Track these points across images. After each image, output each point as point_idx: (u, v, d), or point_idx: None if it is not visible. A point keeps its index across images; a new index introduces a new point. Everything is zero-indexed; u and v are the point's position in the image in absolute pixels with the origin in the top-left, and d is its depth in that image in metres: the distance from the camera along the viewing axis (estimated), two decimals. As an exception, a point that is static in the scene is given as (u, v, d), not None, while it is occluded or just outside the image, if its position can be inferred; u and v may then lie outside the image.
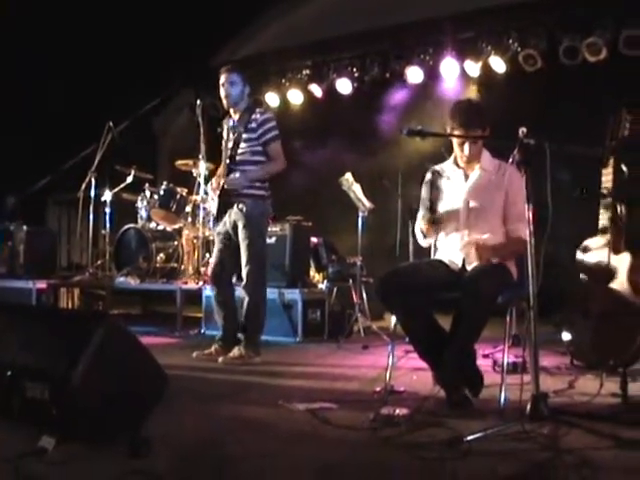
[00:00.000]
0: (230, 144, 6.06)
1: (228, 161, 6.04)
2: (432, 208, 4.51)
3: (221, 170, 6.18)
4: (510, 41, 9.27)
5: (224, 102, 6.10)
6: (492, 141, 4.67)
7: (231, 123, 6.16)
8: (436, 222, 4.54)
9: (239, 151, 6.02)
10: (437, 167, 4.77)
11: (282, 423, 3.90)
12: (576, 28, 8.82)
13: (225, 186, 5.96)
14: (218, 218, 6.13)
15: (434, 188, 4.55)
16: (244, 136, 5.98)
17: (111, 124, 8.95)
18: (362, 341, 7.12)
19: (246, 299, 6.06)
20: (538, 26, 9.16)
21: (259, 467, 3.11)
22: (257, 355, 6.01)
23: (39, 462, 3.11)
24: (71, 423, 3.40)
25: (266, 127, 5.99)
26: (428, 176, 4.65)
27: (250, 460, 3.20)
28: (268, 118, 6.04)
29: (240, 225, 5.98)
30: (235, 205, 5.99)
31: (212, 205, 6.22)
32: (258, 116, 6.02)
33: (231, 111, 6.15)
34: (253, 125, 5.99)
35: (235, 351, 5.97)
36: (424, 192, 4.63)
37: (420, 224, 4.68)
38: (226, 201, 6.02)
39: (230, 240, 6.11)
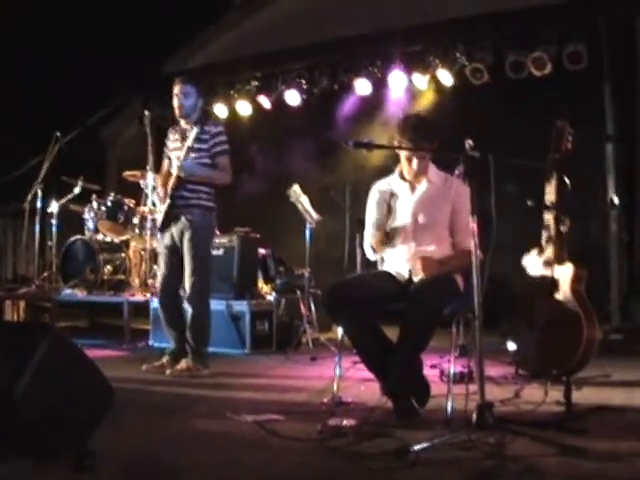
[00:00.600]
0: (177, 153, 5.99)
1: (176, 171, 5.98)
2: (381, 226, 4.54)
3: (167, 179, 6.08)
4: (457, 54, 9.37)
5: (176, 112, 6.07)
6: (438, 154, 4.72)
7: (176, 135, 6.13)
8: (387, 241, 4.58)
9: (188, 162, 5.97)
10: (382, 182, 4.80)
11: (230, 435, 3.90)
12: (522, 43, 8.95)
13: (180, 174, 5.88)
14: (163, 228, 6.09)
15: (382, 206, 4.58)
16: (195, 146, 5.93)
17: (58, 134, 8.87)
18: (310, 352, 7.11)
19: (190, 311, 6.03)
20: (485, 40, 9.27)
21: (208, 479, 3.09)
22: (205, 367, 5.98)
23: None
24: (14, 437, 3.36)
25: (217, 140, 5.99)
26: (375, 195, 4.69)
27: (199, 472, 3.19)
28: (220, 131, 6.03)
29: (187, 236, 5.95)
30: (183, 216, 5.96)
31: (158, 215, 6.15)
32: (212, 128, 6.01)
33: (181, 122, 6.12)
34: (205, 137, 5.96)
35: (182, 364, 5.94)
36: (372, 211, 4.68)
37: (370, 242, 4.71)
38: (174, 211, 5.98)
39: (176, 252, 6.06)
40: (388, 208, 4.60)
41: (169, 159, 6.18)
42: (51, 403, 3.34)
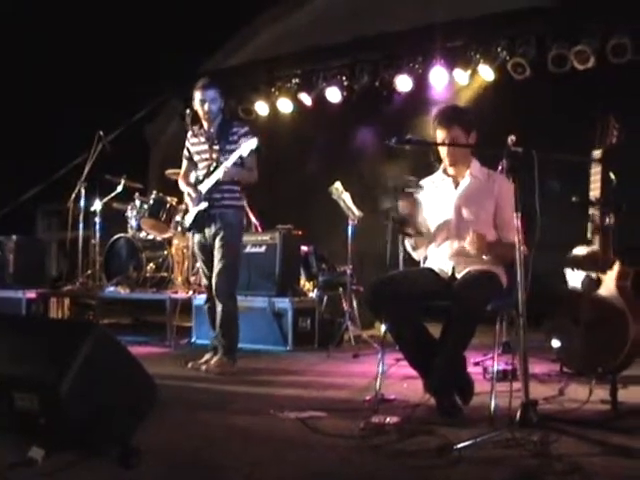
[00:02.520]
0: (208, 155, 6.05)
1: (205, 171, 6.04)
2: (410, 223, 4.53)
3: (200, 180, 6.11)
4: (499, 49, 9.30)
5: (203, 119, 6.09)
6: (481, 150, 4.69)
7: (201, 138, 6.15)
8: (413, 236, 4.58)
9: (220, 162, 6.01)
10: (426, 180, 4.79)
11: (272, 432, 3.90)
12: (564, 36, 8.86)
13: (224, 178, 5.91)
14: (197, 229, 6.13)
15: (419, 203, 4.56)
16: (227, 148, 5.97)
17: (101, 133, 8.94)
18: (352, 350, 7.11)
19: (219, 308, 6.04)
20: (527, 34, 9.19)
21: (249, 476, 3.10)
22: (235, 363, 6.02)
23: (28, 473, 3.10)
24: (60, 433, 3.40)
25: (245, 140, 5.99)
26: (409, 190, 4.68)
27: (240, 469, 3.19)
28: (247, 132, 6.04)
29: (220, 235, 5.99)
30: (217, 216, 6.01)
31: (188, 216, 6.17)
32: (239, 129, 6.05)
33: (205, 124, 6.13)
34: (234, 137, 6.00)
35: (215, 360, 5.98)
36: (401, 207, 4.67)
37: (410, 242, 4.72)
38: (209, 212, 6.01)
39: (211, 252, 6.09)
40: (427, 201, 4.60)
41: (189, 160, 6.23)
42: (96, 400, 3.38)
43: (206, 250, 6.14)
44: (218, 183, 5.97)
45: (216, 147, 6.01)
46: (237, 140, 5.98)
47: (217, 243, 6.01)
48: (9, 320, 4.73)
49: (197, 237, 6.19)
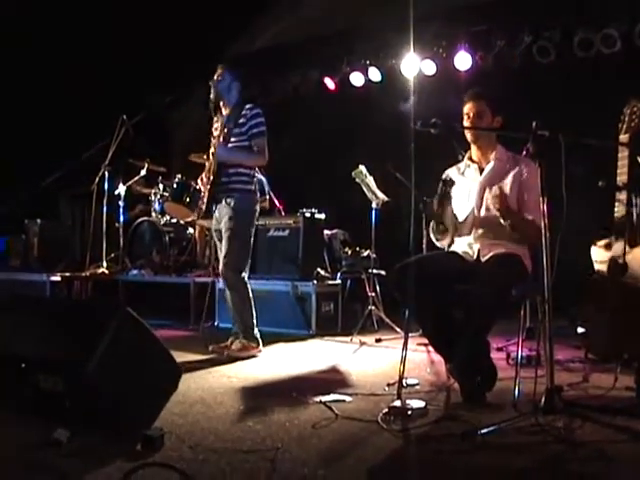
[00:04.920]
0: (220, 140, 6.06)
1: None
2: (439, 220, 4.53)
3: (209, 165, 6.16)
4: (524, 33, 9.22)
5: (212, 97, 6.13)
6: (507, 132, 4.67)
7: (219, 122, 6.18)
8: (439, 230, 4.58)
9: (229, 145, 6.01)
10: (452, 169, 4.79)
11: (296, 415, 3.90)
12: (591, 20, 8.77)
13: (217, 160, 5.96)
14: (207, 213, 6.13)
15: (446, 198, 4.56)
16: (234, 131, 5.99)
17: (125, 117, 8.96)
18: (375, 334, 7.12)
19: (228, 292, 6.08)
20: (552, 18, 9.11)
21: (273, 459, 3.10)
22: (258, 345, 6.03)
23: (54, 454, 3.12)
24: (85, 415, 3.42)
25: (254, 122, 5.99)
26: (440, 186, 4.66)
27: (263, 452, 3.20)
28: (257, 113, 6.02)
29: (226, 218, 5.99)
30: (223, 200, 6.02)
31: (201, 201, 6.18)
32: (248, 112, 6.02)
33: (223, 108, 6.16)
34: (243, 120, 6.00)
35: (237, 344, 5.99)
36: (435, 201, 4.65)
37: (433, 229, 4.72)
38: (216, 196, 6.03)
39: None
40: (452, 195, 4.61)
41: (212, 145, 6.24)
42: (121, 382, 3.40)
43: (218, 234, 6.18)
44: (223, 167, 5.98)
45: (225, 130, 6.02)
46: (245, 122, 5.99)
47: (224, 227, 6.02)
48: (34, 303, 4.76)
49: (213, 222, 6.22)
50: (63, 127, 10.90)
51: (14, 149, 10.69)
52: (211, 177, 6.02)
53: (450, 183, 4.57)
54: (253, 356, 5.92)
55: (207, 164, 6.24)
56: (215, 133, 6.19)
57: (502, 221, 4.39)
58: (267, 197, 8.61)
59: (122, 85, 10.68)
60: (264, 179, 8.46)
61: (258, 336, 6.06)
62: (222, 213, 6.05)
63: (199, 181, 6.35)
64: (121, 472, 2.86)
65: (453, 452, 3.24)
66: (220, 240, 6.15)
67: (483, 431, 3.40)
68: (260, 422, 3.76)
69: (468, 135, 4.69)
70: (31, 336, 3.79)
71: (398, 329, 6.97)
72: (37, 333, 3.79)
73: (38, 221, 10.45)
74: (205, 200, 6.09)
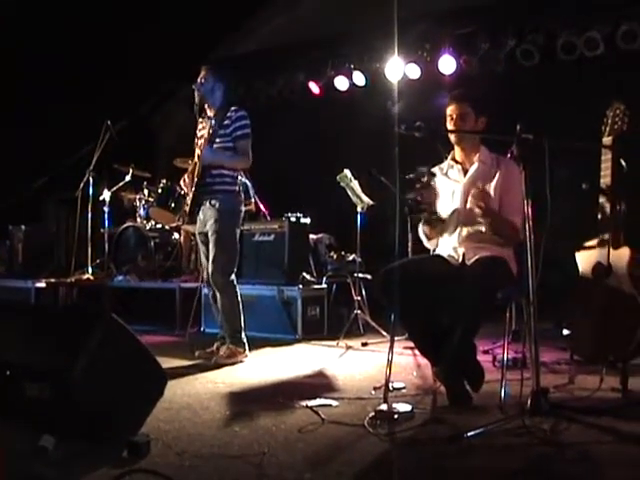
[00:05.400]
0: (202, 141, 6.05)
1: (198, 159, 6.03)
2: (431, 211, 4.52)
3: (194, 168, 6.12)
4: (507, 36, 9.25)
5: (196, 99, 6.12)
6: (490, 136, 4.68)
7: (203, 123, 6.17)
8: (433, 222, 4.55)
9: (214, 147, 5.98)
10: (435, 169, 4.79)
11: (282, 420, 3.90)
12: (574, 23, 8.80)
13: (202, 162, 5.94)
14: (191, 215, 6.09)
15: (431, 191, 4.54)
16: (219, 132, 5.97)
17: (109, 123, 8.94)
18: (361, 338, 7.11)
19: (218, 296, 6.05)
20: (535, 21, 9.14)
21: (259, 464, 3.10)
22: (244, 351, 6.02)
23: (39, 461, 3.11)
24: (71, 422, 3.40)
25: (238, 124, 5.99)
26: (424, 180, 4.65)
27: (249, 457, 3.19)
28: (242, 116, 6.03)
29: (211, 221, 5.97)
30: (207, 202, 6.00)
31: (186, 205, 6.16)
32: (232, 114, 6.02)
33: (207, 110, 6.15)
34: (227, 122, 5.99)
35: (224, 349, 5.97)
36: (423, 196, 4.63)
37: (423, 230, 4.71)
38: (199, 198, 6.01)
39: (208, 238, 6.09)
40: (437, 189, 4.59)
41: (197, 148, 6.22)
42: (106, 388, 3.39)
43: (202, 236, 6.16)
44: (206, 168, 5.96)
45: (210, 132, 5.99)
46: (230, 124, 5.99)
47: (210, 229, 5.99)
48: (19, 309, 4.74)
49: (197, 225, 6.18)
50: (47, 133, 10.88)
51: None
52: (195, 179, 6.00)
53: (432, 174, 4.56)
54: (240, 361, 5.91)
55: (190, 166, 6.22)
56: (200, 134, 6.18)
57: (481, 219, 4.39)
58: (252, 200, 8.59)
59: (106, 89, 10.65)
60: (249, 182, 8.45)
61: (245, 341, 6.04)
62: (207, 215, 6.03)
63: (181, 182, 6.31)
64: (108, 478, 2.85)
65: (440, 455, 3.25)
66: (204, 243, 6.14)
67: (470, 434, 3.41)
68: (246, 427, 3.76)
69: (452, 137, 4.70)
70: (16, 343, 3.78)
71: (384, 333, 6.97)
72: (22, 340, 3.78)
73: (22, 227, 10.43)
74: (189, 202, 6.06)
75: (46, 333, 3.72)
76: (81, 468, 3.06)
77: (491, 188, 4.52)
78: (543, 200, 3.87)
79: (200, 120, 6.23)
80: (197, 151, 6.10)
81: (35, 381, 3.44)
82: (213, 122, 6.00)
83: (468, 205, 4.52)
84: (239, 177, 6.25)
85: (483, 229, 4.45)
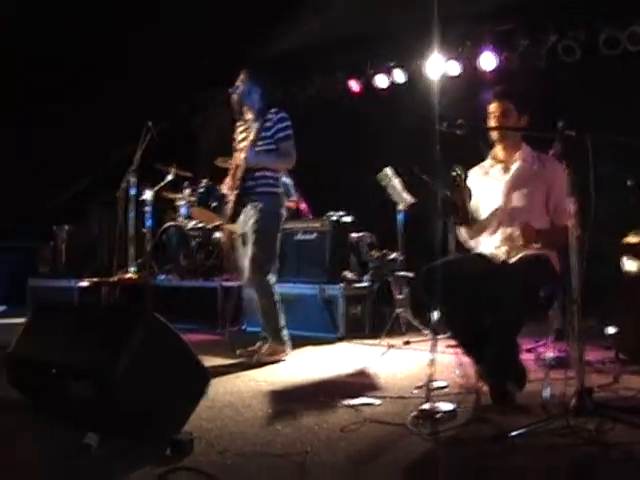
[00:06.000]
0: (244, 143, 6.06)
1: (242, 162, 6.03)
2: (461, 211, 4.49)
3: (235, 170, 6.14)
4: (549, 32, 9.16)
5: (233, 102, 6.16)
6: (533, 133, 4.63)
7: (244, 126, 6.19)
8: (465, 223, 4.54)
9: (256, 149, 5.99)
10: (476, 168, 4.76)
11: (324, 419, 3.90)
12: (617, 18, 8.69)
13: (246, 165, 5.94)
14: (234, 217, 6.09)
15: (464, 191, 4.51)
16: (261, 135, 5.98)
17: (150, 124, 8.99)
18: (403, 336, 7.08)
19: (255, 296, 6.06)
20: (577, 16, 9.04)
21: (301, 462, 3.10)
22: (285, 349, 6.02)
23: (84, 459, 3.14)
24: (113, 420, 3.43)
25: (280, 126, 5.99)
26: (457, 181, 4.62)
27: (292, 456, 3.20)
28: (282, 117, 6.03)
29: (252, 221, 5.98)
30: (250, 203, 6.02)
31: (228, 206, 6.16)
32: (274, 115, 6.02)
33: (247, 113, 6.16)
34: (268, 124, 6.00)
35: (265, 348, 5.97)
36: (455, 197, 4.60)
37: (461, 231, 4.69)
38: (242, 200, 6.02)
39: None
40: (477, 189, 4.57)
41: (238, 150, 6.22)
42: (149, 387, 3.41)
43: (244, 239, 6.15)
44: (249, 170, 5.98)
45: (251, 135, 6.01)
46: (272, 126, 5.99)
47: (250, 230, 6.00)
48: (63, 309, 4.79)
49: (239, 225, 6.18)
50: (90, 134, 10.99)
51: (42, 156, 10.78)
52: (237, 181, 6.02)
53: (466, 175, 4.53)
54: (282, 360, 5.92)
55: (232, 168, 6.24)
56: (239, 137, 6.20)
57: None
58: (294, 199, 8.59)
59: (148, 91, 10.73)
60: (290, 182, 8.46)
61: (286, 339, 6.05)
62: (248, 216, 6.04)
63: (223, 185, 6.34)
64: (151, 476, 2.88)
65: (483, 455, 3.23)
66: (245, 244, 6.13)
67: (513, 433, 3.38)
68: (289, 426, 3.76)
69: (493, 134, 4.66)
70: (61, 342, 3.82)
71: (425, 331, 6.95)
72: (66, 339, 3.82)
73: (66, 227, 10.53)
74: (232, 204, 6.07)
75: (89, 332, 3.76)
76: (124, 466, 3.07)
77: (535, 188, 4.47)
78: (587, 197, 3.82)
79: (239, 123, 6.25)
80: (237, 154, 6.13)
81: (78, 380, 3.48)
82: (256, 125, 6.01)
83: (510, 206, 4.48)
84: (281, 178, 6.27)
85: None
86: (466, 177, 4.53)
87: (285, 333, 6.05)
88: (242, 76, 6.13)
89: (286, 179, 8.24)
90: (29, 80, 10.44)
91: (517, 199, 4.51)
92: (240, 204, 6.04)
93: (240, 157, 6.07)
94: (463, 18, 9.54)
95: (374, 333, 7.33)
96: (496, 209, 4.55)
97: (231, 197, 6.08)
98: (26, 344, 4.05)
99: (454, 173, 4.44)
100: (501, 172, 4.64)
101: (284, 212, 6.22)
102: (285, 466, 3.07)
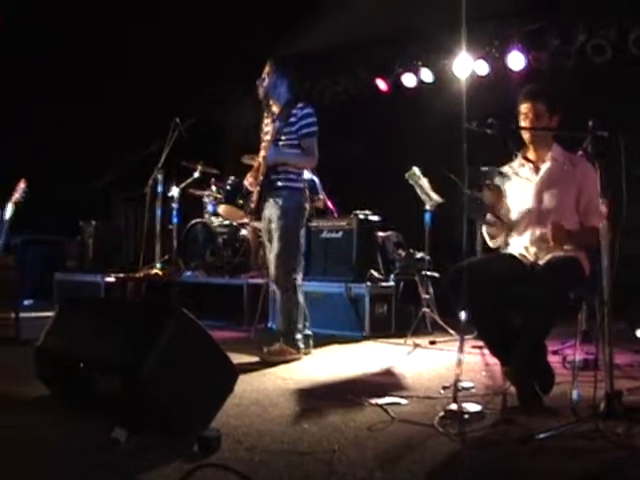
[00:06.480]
0: (269, 137, 5.98)
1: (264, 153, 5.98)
2: (493, 212, 4.47)
3: (257, 165, 6.11)
4: (578, 31, 9.11)
5: (260, 95, 6.06)
6: (564, 133, 4.60)
7: (269, 120, 6.10)
8: (495, 224, 4.52)
9: (279, 144, 5.93)
10: (505, 168, 4.73)
11: (351, 417, 3.89)
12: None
13: (267, 162, 5.89)
14: (257, 213, 6.07)
15: (496, 192, 4.49)
16: (284, 130, 5.90)
17: (177, 120, 9.02)
18: (429, 336, 7.08)
19: (277, 294, 6.01)
20: (607, 15, 8.98)
21: (328, 461, 3.10)
22: (297, 351, 5.92)
23: (113, 453, 3.15)
24: (141, 415, 3.44)
25: (304, 122, 5.89)
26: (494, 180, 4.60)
27: (319, 454, 3.20)
28: (308, 113, 5.92)
29: (275, 217, 5.92)
30: (272, 199, 5.96)
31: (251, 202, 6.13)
32: (298, 111, 5.92)
33: (272, 105, 6.08)
34: (293, 119, 5.90)
35: (276, 346, 5.88)
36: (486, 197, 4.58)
37: (484, 230, 4.67)
38: (264, 196, 5.98)
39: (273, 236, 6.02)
40: (507, 190, 4.55)
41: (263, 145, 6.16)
42: (177, 383, 3.41)
43: (267, 234, 6.12)
44: (271, 165, 5.91)
45: (275, 128, 5.94)
46: (296, 122, 5.90)
47: (273, 227, 5.95)
48: (92, 303, 4.83)
49: (262, 222, 6.15)
50: (117, 130, 11.05)
51: (68, 151, 10.85)
52: (260, 177, 5.98)
53: (502, 175, 4.51)
54: (290, 360, 5.79)
55: (256, 163, 6.21)
56: (265, 130, 6.11)
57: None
58: (320, 197, 8.57)
59: (175, 87, 10.77)
60: (317, 179, 8.44)
61: (300, 342, 5.96)
62: (271, 212, 5.99)
63: (245, 181, 6.28)
64: (179, 472, 2.88)
65: (511, 456, 3.21)
66: (269, 240, 6.09)
67: (541, 436, 3.36)
68: (315, 424, 3.76)
69: (525, 135, 4.62)
70: (89, 337, 3.84)
71: (452, 331, 6.93)
72: (95, 333, 3.84)
73: (93, 223, 10.60)
74: (255, 200, 6.04)
75: (118, 327, 3.77)
76: (153, 461, 3.08)
77: (566, 189, 4.44)
78: (619, 198, 3.79)
79: (265, 115, 6.15)
80: (262, 149, 6.07)
81: (108, 374, 3.49)
82: (277, 121, 5.97)
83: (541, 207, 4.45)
84: (303, 173, 6.19)
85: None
86: (502, 176, 4.51)
87: (299, 337, 5.96)
88: (268, 67, 6.01)
89: (313, 177, 8.23)
90: (63, 80, 10.54)
91: (547, 200, 4.48)
92: (263, 199, 6.01)
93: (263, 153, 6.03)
94: (491, 17, 9.50)
95: (400, 332, 7.34)
96: (527, 210, 4.52)
97: (254, 193, 6.05)
98: (54, 338, 4.07)
99: (490, 172, 4.43)
100: (531, 172, 4.61)
101: (307, 207, 6.15)
102: (313, 464, 3.07)
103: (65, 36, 10.05)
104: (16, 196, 7.07)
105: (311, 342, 6.20)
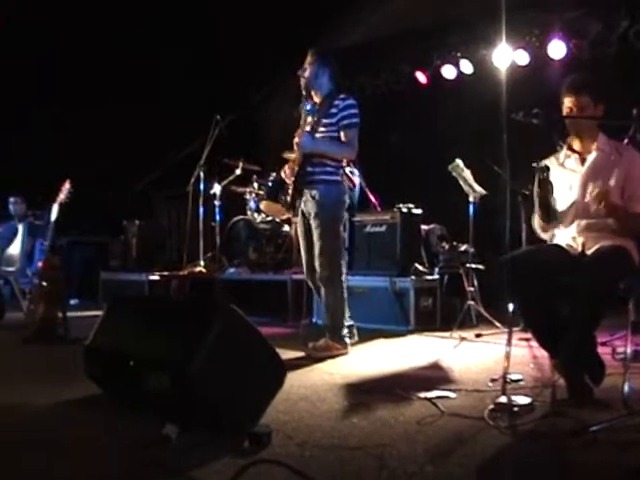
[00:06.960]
0: (308, 128, 5.88)
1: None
2: (546, 205, 4.42)
3: (295, 157, 6.02)
4: (620, 17, 8.99)
5: (302, 85, 5.95)
6: (608, 123, 4.54)
7: (308, 107, 5.99)
8: (554, 221, 4.47)
9: (317, 136, 5.83)
10: (550, 159, 4.68)
11: (401, 412, 3.88)
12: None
13: (301, 151, 5.81)
14: (292, 206, 5.99)
15: (547, 184, 4.43)
16: (323, 121, 5.81)
17: (218, 117, 9.06)
18: (475, 329, 7.04)
19: (322, 291, 5.93)
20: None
21: (379, 455, 3.10)
22: (344, 347, 5.87)
23: (163, 450, 3.17)
24: (191, 412, 3.47)
25: (345, 113, 5.78)
26: (539, 173, 4.54)
27: (369, 449, 3.19)
28: (350, 105, 5.81)
29: (312, 213, 5.83)
30: (308, 193, 5.87)
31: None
32: (340, 102, 5.81)
33: (314, 96, 5.99)
34: (334, 110, 5.80)
35: (322, 342, 5.86)
36: (535, 190, 4.52)
37: (537, 222, 4.62)
38: (299, 189, 5.88)
39: (310, 231, 5.94)
40: (552, 183, 4.49)
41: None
42: (226, 380, 3.43)
43: (303, 229, 6.04)
44: (307, 157, 5.81)
45: (315, 119, 5.86)
46: (337, 113, 5.79)
47: (312, 222, 5.87)
48: (138, 302, 4.86)
49: (299, 216, 6.06)
50: (158, 129, 11.12)
51: (110, 152, 10.95)
52: (295, 168, 5.90)
53: (546, 169, 4.45)
54: (336, 356, 5.76)
55: (293, 155, 6.15)
56: (305, 122, 5.99)
57: (607, 219, 4.26)
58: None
59: (215, 85, 10.81)
60: (357, 172, 8.37)
61: (346, 338, 5.93)
62: (308, 207, 5.90)
63: (282, 173, 6.15)
64: (230, 468, 2.88)
65: (563, 449, 3.18)
66: (305, 236, 6.02)
67: (594, 428, 3.32)
68: (365, 419, 3.76)
69: (570, 126, 4.56)
70: (138, 335, 3.87)
71: (497, 324, 6.89)
72: (143, 331, 3.87)
73: (136, 222, 10.70)
74: (290, 193, 5.95)
75: (166, 324, 3.80)
76: (204, 458, 3.10)
77: (612, 178, 4.38)
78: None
79: (306, 104, 6.03)
80: (296, 139, 5.91)
81: (157, 371, 3.51)
82: (317, 110, 5.88)
83: (587, 198, 4.39)
84: (342, 166, 6.03)
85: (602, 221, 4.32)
86: (548, 169, 4.45)
87: (345, 331, 5.93)
88: (309, 58, 5.92)
89: (353, 169, 8.17)
90: (102, 82, 10.64)
91: (594, 189, 4.42)
92: (298, 192, 5.91)
93: None
94: (531, 5, 9.41)
95: (445, 325, 7.31)
96: (573, 202, 4.46)
97: (290, 185, 5.97)
98: (103, 337, 4.11)
99: (538, 167, 4.38)
100: (577, 163, 4.55)
101: (347, 200, 6.05)
102: (364, 459, 3.06)
103: (103, 32, 10.14)
104: (61, 197, 7.13)
105: (355, 331, 6.16)
